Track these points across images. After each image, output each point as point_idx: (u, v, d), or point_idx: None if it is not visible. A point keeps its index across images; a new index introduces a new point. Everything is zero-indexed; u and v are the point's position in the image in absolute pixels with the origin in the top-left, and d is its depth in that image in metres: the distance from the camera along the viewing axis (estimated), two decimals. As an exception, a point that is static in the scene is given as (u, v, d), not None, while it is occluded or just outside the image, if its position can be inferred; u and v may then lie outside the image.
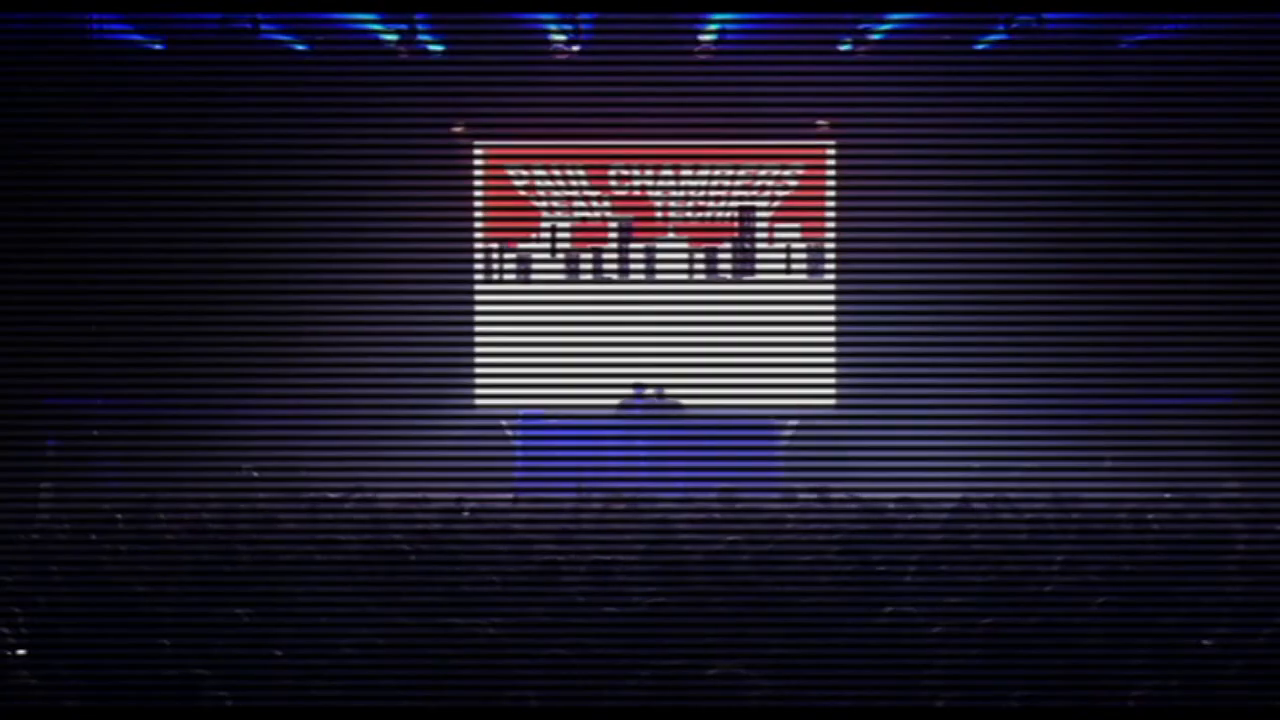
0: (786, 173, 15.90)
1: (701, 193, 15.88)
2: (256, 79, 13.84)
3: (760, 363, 14.39)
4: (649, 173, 15.91)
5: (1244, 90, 13.12)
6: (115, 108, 13.59)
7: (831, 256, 15.78)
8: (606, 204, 15.98)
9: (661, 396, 15.17)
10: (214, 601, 7.49)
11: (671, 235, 15.89)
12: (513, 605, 7.48)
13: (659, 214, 15.92)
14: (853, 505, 10.79)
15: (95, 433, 13.96)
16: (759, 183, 15.91)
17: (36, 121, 13.47)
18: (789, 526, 10.15)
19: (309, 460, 12.26)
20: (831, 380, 15.51)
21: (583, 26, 14.10)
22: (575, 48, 14.40)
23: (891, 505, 10.75)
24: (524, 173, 15.95)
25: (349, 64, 14.39)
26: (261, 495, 11.39)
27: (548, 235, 16.00)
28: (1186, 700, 6.12)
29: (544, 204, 15.98)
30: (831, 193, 15.84)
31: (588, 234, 15.94)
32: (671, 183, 15.89)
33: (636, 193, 15.92)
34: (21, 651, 6.79)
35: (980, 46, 14.41)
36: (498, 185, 15.98)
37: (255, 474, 12.47)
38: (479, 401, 15.54)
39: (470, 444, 14.03)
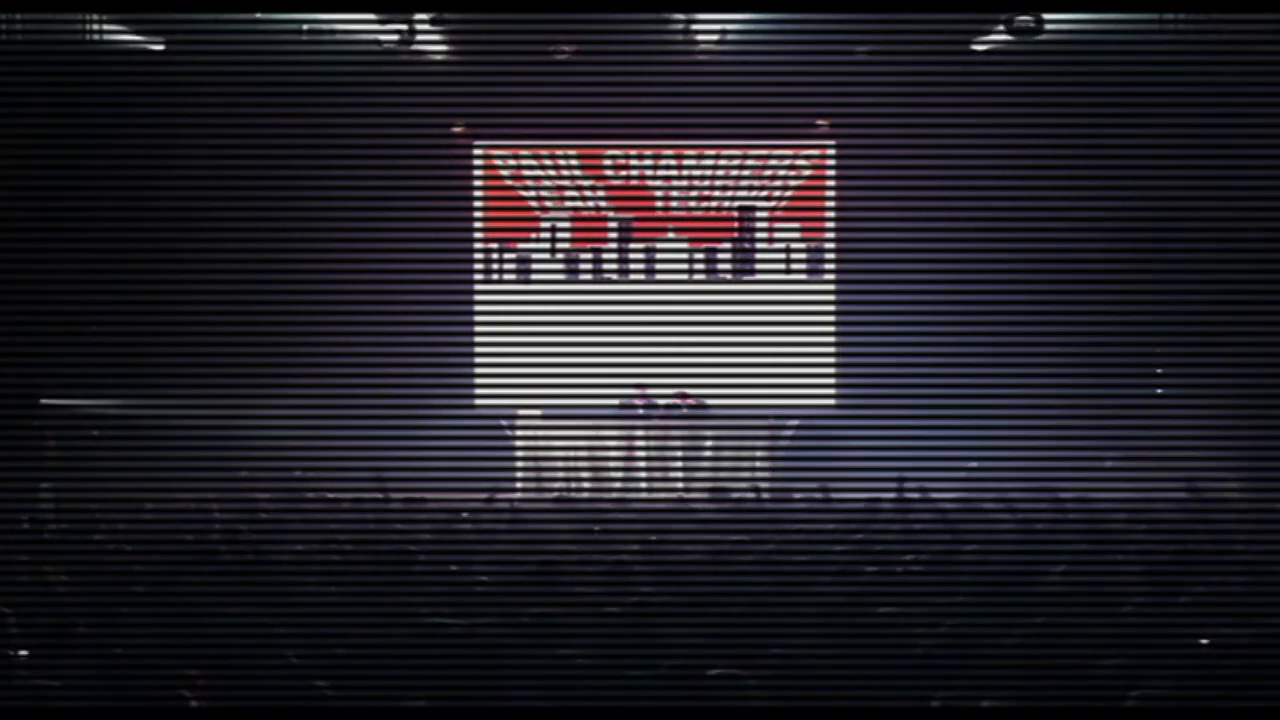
0: (787, 173, 15.91)
1: (701, 193, 15.90)
2: (256, 79, 13.84)
3: (760, 363, 14.41)
4: (649, 172, 15.93)
5: (1245, 90, 13.13)
6: (116, 108, 13.61)
7: (831, 256, 15.79)
8: (606, 204, 15.99)
9: (662, 398, 15.19)
10: (215, 601, 7.50)
11: (671, 235, 15.91)
12: (513, 606, 7.49)
13: (659, 213, 15.93)
14: (853, 504, 10.80)
15: (95, 433, 13.97)
16: (759, 183, 15.93)
17: (37, 122, 13.48)
18: (789, 526, 10.15)
19: (309, 460, 12.27)
20: (831, 380, 15.52)
21: (582, 27, 14.11)
22: (573, 48, 14.41)
23: (891, 504, 10.75)
24: (523, 172, 15.96)
25: (349, 64, 14.40)
26: (262, 495, 11.39)
27: (548, 235, 16.01)
28: (1183, 700, 6.13)
29: (544, 203, 15.99)
30: (831, 193, 15.85)
31: (587, 234, 15.96)
32: (671, 183, 15.91)
33: (636, 192, 15.93)
34: (23, 652, 6.80)
35: (980, 47, 14.42)
36: (498, 185, 16.00)
37: (258, 474, 12.45)
38: (479, 401, 15.55)
39: (470, 444, 14.03)
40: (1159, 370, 14.15)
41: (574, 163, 15.97)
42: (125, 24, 13.82)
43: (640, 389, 14.92)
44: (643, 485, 14.01)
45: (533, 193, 16.01)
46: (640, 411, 15.03)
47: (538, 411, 14.82)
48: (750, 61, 14.35)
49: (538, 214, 16.03)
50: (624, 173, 15.97)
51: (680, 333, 13.97)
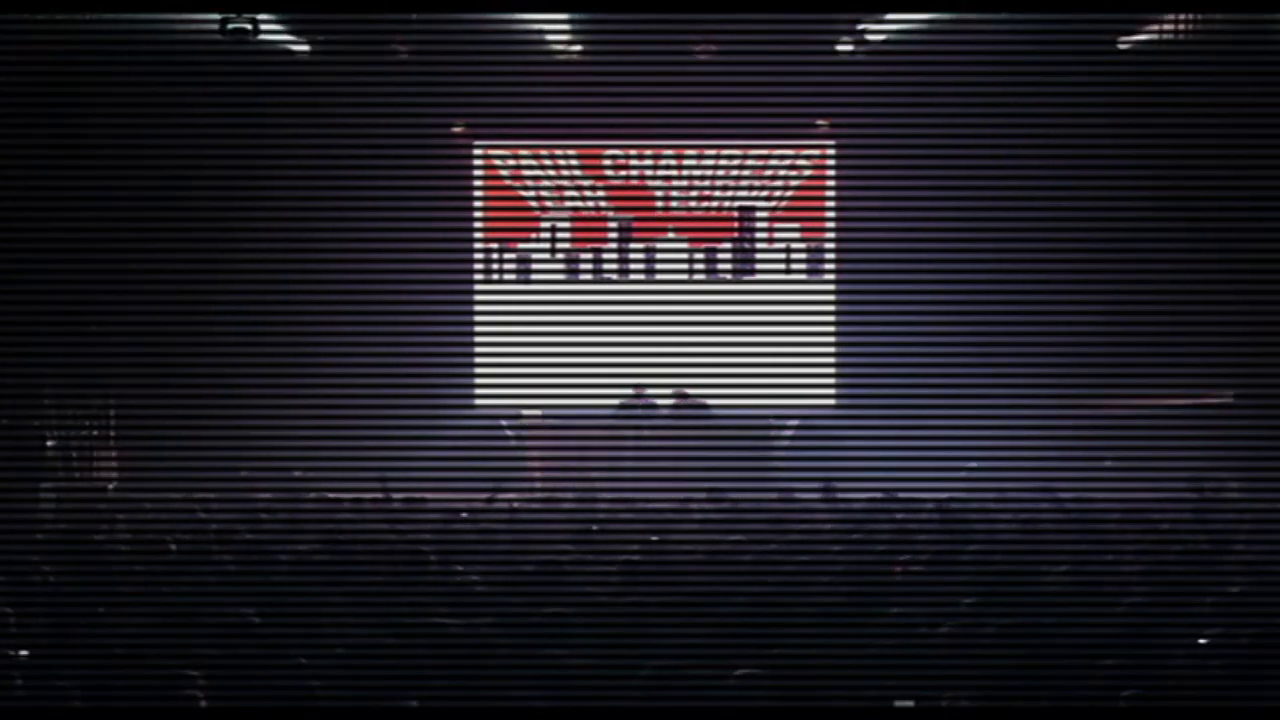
0: (787, 173, 15.91)
1: (701, 193, 15.90)
2: (256, 79, 13.84)
3: (760, 363, 14.40)
4: (649, 172, 15.93)
5: (1244, 90, 13.13)
6: (118, 108, 13.60)
7: (831, 256, 15.79)
8: (606, 204, 15.99)
9: (661, 397, 15.18)
10: (215, 602, 7.50)
11: (671, 235, 15.91)
12: (513, 606, 7.49)
13: (659, 213, 15.93)
14: (854, 505, 10.80)
15: (95, 433, 13.97)
16: (759, 183, 15.93)
17: (37, 122, 13.47)
18: (790, 526, 10.15)
19: (309, 461, 12.27)
20: (831, 380, 15.51)
21: (582, 27, 14.12)
22: (576, 47, 14.42)
23: (892, 505, 10.75)
24: (523, 172, 15.96)
25: (349, 64, 14.40)
26: (262, 495, 11.39)
27: (548, 235, 16.01)
28: (1181, 700, 6.13)
29: (544, 203, 15.99)
30: (831, 193, 15.85)
31: (587, 234, 15.96)
32: (671, 182, 15.91)
33: (636, 192, 15.93)
34: (24, 652, 6.81)
35: (979, 46, 14.41)
36: (498, 185, 16.00)
37: (258, 474, 12.45)
38: (479, 401, 15.55)
39: (470, 444, 14.03)
40: (1161, 370, 14.14)
41: (574, 163, 15.97)
42: (124, 22, 13.80)
43: (640, 389, 14.91)
44: (643, 485, 13.99)
45: (533, 193, 16.01)
46: (640, 411, 15.02)
47: (537, 412, 14.81)
48: (750, 61, 14.34)
49: (538, 214, 16.02)
50: (624, 173, 15.97)
51: (680, 333, 13.96)
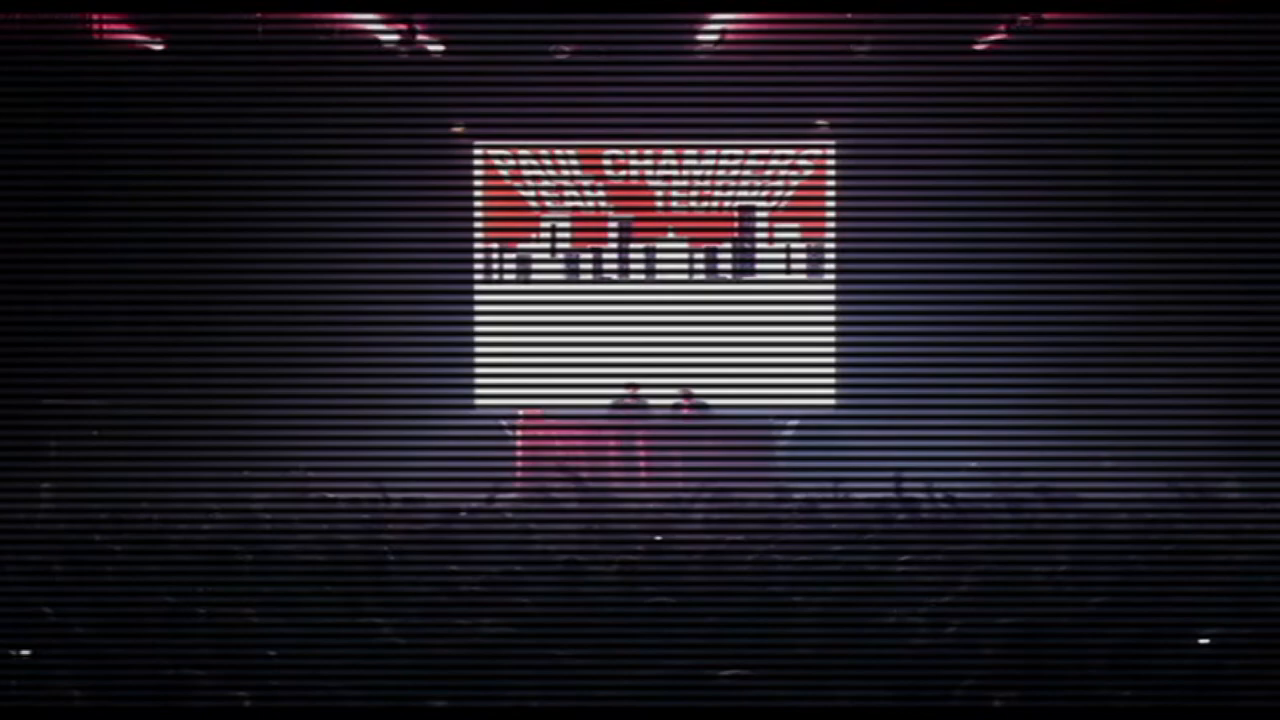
0: (787, 173, 15.92)
1: (701, 193, 15.91)
2: (256, 79, 13.86)
3: (760, 362, 14.42)
4: (649, 172, 15.94)
5: (1244, 91, 13.14)
6: (115, 109, 13.61)
7: (831, 256, 15.81)
8: (606, 204, 16.00)
9: (655, 397, 15.19)
10: (215, 601, 7.50)
11: (671, 235, 15.92)
12: (514, 605, 7.50)
13: (659, 213, 15.94)
14: (854, 505, 10.80)
15: (96, 433, 13.97)
16: (759, 183, 15.94)
17: (35, 123, 13.49)
18: (790, 526, 10.15)
19: (309, 460, 12.28)
20: (831, 380, 15.52)
21: (581, 27, 14.13)
22: (572, 48, 14.43)
23: (892, 505, 10.75)
24: (523, 172, 15.97)
25: (349, 64, 14.41)
26: (262, 495, 11.39)
27: (548, 235, 16.02)
28: (1178, 700, 6.14)
29: (544, 203, 16.00)
30: (831, 193, 15.86)
31: (587, 234, 15.97)
32: (671, 182, 15.92)
33: (636, 192, 15.94)
34: (25, 652, 6.81)
35: (980, 46, 14.44)
36: (498, 185, 16.01)
37: (258, 475, 12.45)
38: (479, 401, 15.56)
39: (470, 443, 14.04)
40: (1158, 369, 14.16)
41: (574, 163, 15.98)
42: (125, 22, 13.82)
43: (639, 389, 14.92)
44: (644, 485, 14.02)
45: (533, 193, 16.02)
46: (640, 411, 15.03)
47: (538, 411, 14.81)
48: (751, 61, 14.36)
49: (538, 214, 16.04)
50: (624, 173, 15.99)
51: (680, 333, 13.97)
